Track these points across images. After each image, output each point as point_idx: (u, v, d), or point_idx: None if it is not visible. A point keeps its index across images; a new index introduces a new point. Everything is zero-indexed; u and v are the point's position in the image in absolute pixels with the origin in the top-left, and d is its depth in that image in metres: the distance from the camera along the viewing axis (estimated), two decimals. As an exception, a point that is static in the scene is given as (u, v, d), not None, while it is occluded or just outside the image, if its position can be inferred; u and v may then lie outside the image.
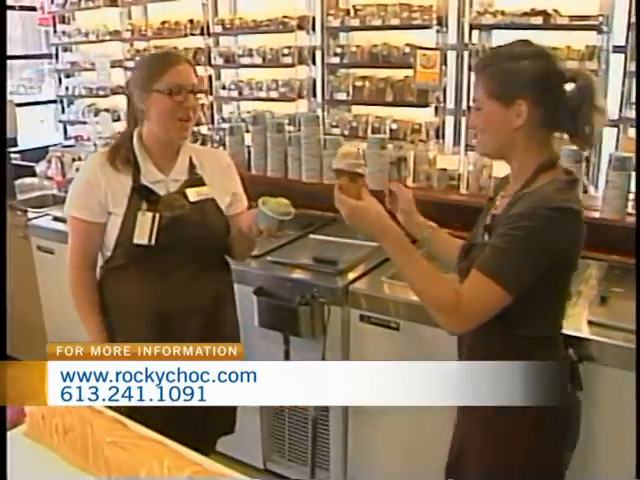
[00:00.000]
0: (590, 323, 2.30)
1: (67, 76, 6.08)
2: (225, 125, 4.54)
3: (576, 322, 2.31)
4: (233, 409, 2.48)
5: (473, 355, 1.83)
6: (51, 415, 1.66)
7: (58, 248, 3.50)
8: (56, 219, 3.62)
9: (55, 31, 5.94)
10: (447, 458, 2.04)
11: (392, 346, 2.52)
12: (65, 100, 6.02)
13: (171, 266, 2.20)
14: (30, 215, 3.74)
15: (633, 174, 2.91)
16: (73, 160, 4.01)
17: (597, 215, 2.92)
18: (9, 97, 3.78)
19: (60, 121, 6.02)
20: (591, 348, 2.23)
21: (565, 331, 2.18)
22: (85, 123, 5.46)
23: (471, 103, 1.77)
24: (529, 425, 1.73)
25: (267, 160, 3.47)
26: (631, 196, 2.93)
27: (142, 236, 2.14)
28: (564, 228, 1.62)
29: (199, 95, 2.18)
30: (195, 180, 2.27)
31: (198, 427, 2.19)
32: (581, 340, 2.23)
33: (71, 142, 5.46)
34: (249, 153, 3.50)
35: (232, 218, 2.31)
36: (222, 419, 2.41)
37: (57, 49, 6.04)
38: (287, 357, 2.71)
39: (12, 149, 4.08)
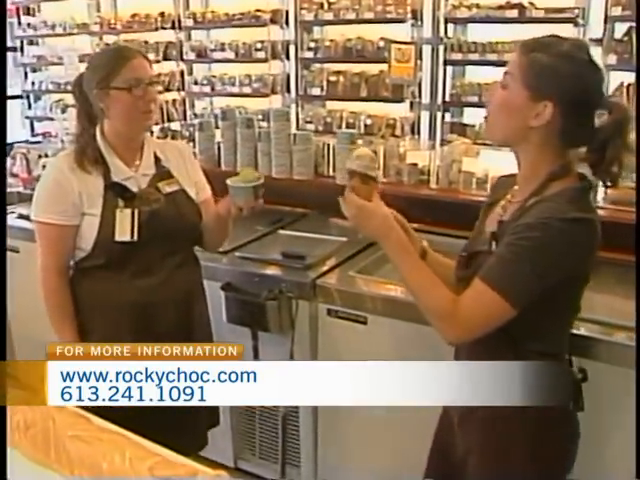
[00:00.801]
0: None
1: (33, 70, 6.05)
2: (197, 121, 4.58)
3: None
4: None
5: None
6: (12, 412, 1.69)
7: (24, 246, 3.48)
8: (21, 217, 3.63)
9: (20, 23, 5.90)
10: (428, 460, 2.00)
11: (360, 340, 2.55)
12: (32, 95, 6.01)
13: (152, 261, 2.23)
14: (-5, 215, 3.76)
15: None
16: (39, 157, 4.00)
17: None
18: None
19: (27, 117, 6.00)
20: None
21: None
22: (52, 119, 5.43)
23: (500, 77, 1.62)
24: (529, 449, 1.69)
25: (237, 156, 3.51)
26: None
27: (123, 233, 2.16)
28: (577, 240, 1.54)
29: (157, 87, 2.23)
30: (163, 173, 2.31)
31: (187, 423, 2.23)
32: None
33: (39, 139, 5.36)
34: (219, 149, 3.55)
35: (200, 206, 2.36)
36: (207, 412, 2.46)
37: (22, 42, 5.99)
38: (256, 353, 2.73)
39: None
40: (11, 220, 3.65)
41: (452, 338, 1.64)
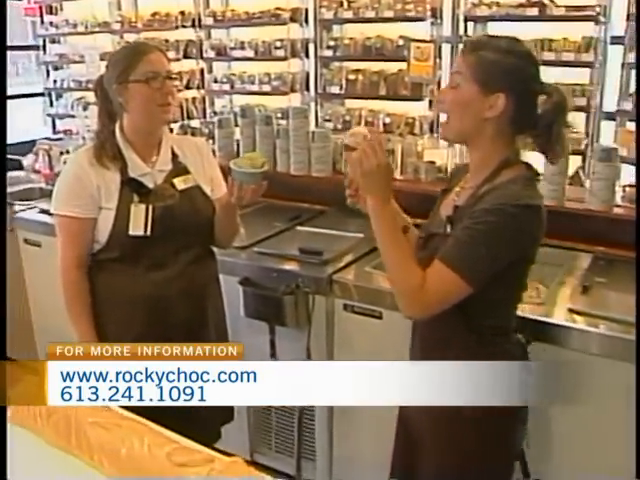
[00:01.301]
0: (571, 311, 2.42)
1: (55, 68, 6.10)
2: (216, 118, 4.65)
3: (558, 311, 2.44)
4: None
5: (426, 343, 1.93)
6: None
7: (45, 241, 3.60)
8: (43, 212, 3.74)
9: (42, 22, 5.96)
10: (392, 458, 2.16)
11: (375, 335, 2.62)
12: (53, 93, 6.06)
13: (166, 255, 2.32)
14: (16, 208, 3.88)
15: (620, 165, 3.03)
16: (61, 153, 4.11)
17: (583, 207, 3.02)
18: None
19: (49, 115, 6.06)
20: (573, 336, 2.35)
21: (544, 318, 2.33)
22: (74, 117, 5.50)
23: (447, 80, 1.82)
24: (485, 424, 1.83)
25: (255, 152, 3.59)
26: (617, 188, 3.06)
27: (137, 227, 2.26)
28: (528, 224, 1.72)
29: (175, 82, 2.33)
30: (179, 169, 2.39)
31: (200, 418, 2.29)
32: (563, 328, 2.36)
33: (60, 136, 5.52)
34: (238, 146, 3.62)
35: (215, 202, 2.43)
36: (221, 407, 2.52)
37: (44, 40, 6.06)
38: (273, 347, 2.82)
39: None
40: (33, 215, 3.76)
41: (412, 313, 1.81)
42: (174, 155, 2.42)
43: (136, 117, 2.30)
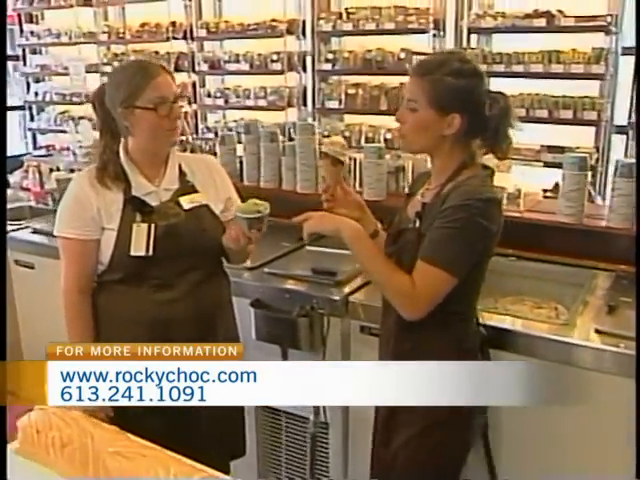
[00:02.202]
0: (598, 332, 2.40)
1: (36, 81, 6.03)
2: (210, 135, 4.63)
3: (584, 331, 2.42)
4: (242, 429, 2.56)
5: (398, 336, 2.09)
6: (46, 429, 1.68)
7: (39, 262, 3.52)
8: (36, 232, 3.68)
9: (22, 31, 5.89)
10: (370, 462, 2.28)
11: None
12: (34, 107, 5.99)
13: (171, 276, 2.26)
14: (7, 228, 3.78)
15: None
16: (51, 170, 4.05)
17: (603, 224, 3.00)
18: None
19: (29, 129, 5.99)
20: (598, 357, 2.33)
21: (569, 340, 2.34)
22: (57, 132, 5.40)
23: (405, 101, 1.99)
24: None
25: (260, 170, 3.55)
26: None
27: (139, 247, 2.21)
28: (493, 215, 1.93)
29: (182, 103, 2.30)
30: (187, 188, 2.34)
31: (208, 450, 2.24)
32: (588, 349, 2.34)
33: (42, 152, 5.30)
34: (241, 163, 3.59)
35: (227, 223, 2.39)
36: (232, 441, 2.48)
37: (24, 51, 5.98)
38: (285, 371, 2.79)
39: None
40: (25, 235, 3.70)
41: (411, 315, 1.97)
42: (182, 173, 2.37)
43: (142, 141, 2.25)
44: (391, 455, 2.16)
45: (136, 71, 2.25)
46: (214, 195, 2.36)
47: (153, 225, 2.20)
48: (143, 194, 2.24)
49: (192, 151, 4.05)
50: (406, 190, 2.33)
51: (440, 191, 2.00)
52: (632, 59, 3.72)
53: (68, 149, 4.43)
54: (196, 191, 2.33)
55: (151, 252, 2.19)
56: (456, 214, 1.89)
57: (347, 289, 2.76)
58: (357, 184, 3.45)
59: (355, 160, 3.49)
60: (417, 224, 2.03)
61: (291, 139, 3.73)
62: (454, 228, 1.90)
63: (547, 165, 3.83)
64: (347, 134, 4.84)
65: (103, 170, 2.25)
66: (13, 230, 3.76)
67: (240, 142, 3.67)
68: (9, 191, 4.29)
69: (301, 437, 2.99)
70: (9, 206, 4.12)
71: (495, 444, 2.47)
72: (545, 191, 3.36)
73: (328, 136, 4.90)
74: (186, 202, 2.29)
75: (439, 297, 1.94)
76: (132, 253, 2.20)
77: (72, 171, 4.03)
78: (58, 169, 4.10)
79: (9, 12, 5.66)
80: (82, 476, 1.65)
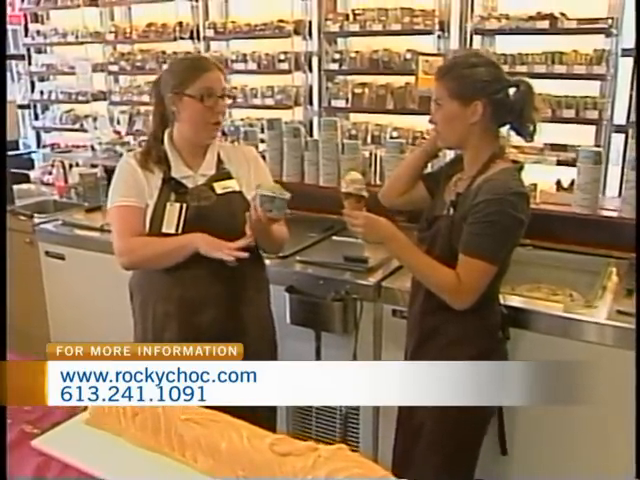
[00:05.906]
0: (619, 312, 2.63)
1: (41, 80, 6.14)
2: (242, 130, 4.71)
3: (608, 312, 2.65)
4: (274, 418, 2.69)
5: (426, 316, 2.33)
6: None
7: (69, 253, 3.68)
8: (65, 224, 3.84)
9: (27, 30, 6.02)
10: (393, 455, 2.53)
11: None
12: (39, 105, 6.13)
13: (198, 255, 2.44)
14: (37, 220, 3.96)
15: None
16: (70, 166, 4.24)
17: (616, 214, 3.23)
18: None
19: (34, 128, 6.12)
20: (623, 335, 2.55)
21: (596, 319, 2.56)
22: (62, 130, 5.62)
23: (432, 103, 2.26)
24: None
25: (283, 165, 3.74)
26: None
27: (170, 225, 2.41)
28: (523, 207, 2.15)
29: (227, 99, 2.50)
30: (222, 174, 2.54)
31: None
32: (614, 328, 2.57)
33: (47, 150, 5.53)
34: (263, 158, 3.74)
35: None
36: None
37: (29, 50, 6.11)
38: (318, 353, 2.97)
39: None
40: (55, 227, 3.85)
41: (461, 305, 2.19)
42: (220, 161, 2.57)
43: (185, 128, 2.46)
44: (415, 427, 2.37)
45: (191, 63, 2.50)
46: (248, 183, 2.55)
47: (185, 205, 2.41)
48: (181, 177, 2.44)
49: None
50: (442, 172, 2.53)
51: (472, 182, 2.23)
52: (630, 60, 3.93)
53: (78, 147, 4.57)
54: (231, 178, 2.53)
55: (180, 230, 2.39)
56: (490, 208, 2.11)
57: (379, 275, 2.98)
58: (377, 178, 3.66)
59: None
60: (451, 212, 2.28)
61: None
62: (490, 222, 2.12)
63: (560, 163, 3.93)
64: (353, 132, 5.00)
65: (147, 155, 2.49)
66: (42, 222, 3.90)
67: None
68: (32, 186, 4.43)
69: (331, 420, 3.15)
70: (32, 200, 4.29)
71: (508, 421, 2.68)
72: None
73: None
74: (219, 187, 2.51)
75: (484, 286, 2.18)
76: (164, 230, 2.41)
77: (93, 166, 4.18)
78: (77, 165, 4.26)
79: (15, 12, 5.84)
80: (155, 444, 1.77)
